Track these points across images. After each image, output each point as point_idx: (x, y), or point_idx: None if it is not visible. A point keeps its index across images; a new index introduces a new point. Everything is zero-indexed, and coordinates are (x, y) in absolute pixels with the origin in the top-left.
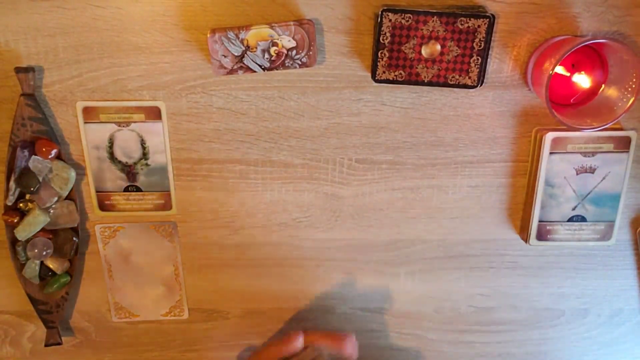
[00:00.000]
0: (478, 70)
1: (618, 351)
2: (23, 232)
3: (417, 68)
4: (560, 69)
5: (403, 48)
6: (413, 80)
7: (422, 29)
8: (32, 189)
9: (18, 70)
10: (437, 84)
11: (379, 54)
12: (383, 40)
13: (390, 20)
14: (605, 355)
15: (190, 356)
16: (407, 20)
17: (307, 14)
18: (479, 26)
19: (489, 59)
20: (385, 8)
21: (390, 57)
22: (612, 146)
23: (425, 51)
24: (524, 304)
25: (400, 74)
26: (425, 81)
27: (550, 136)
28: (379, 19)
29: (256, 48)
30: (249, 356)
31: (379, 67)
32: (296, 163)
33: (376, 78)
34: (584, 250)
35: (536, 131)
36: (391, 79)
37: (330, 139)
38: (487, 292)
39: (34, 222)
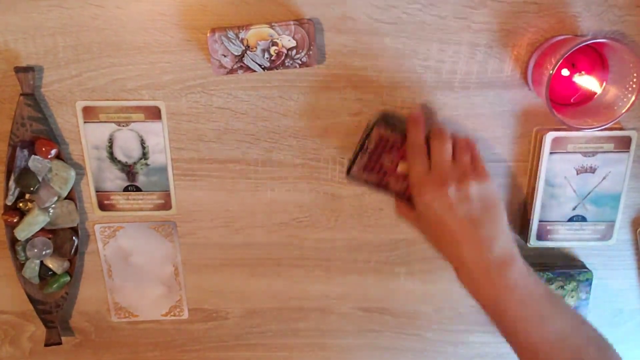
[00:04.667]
0: None
1: (618, 351)
2: (23, 232)
3: (389, 178)
4: (560, 69)
5: (382, 158)
6: (382, 187)
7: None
8: (31, 188)
9: (17, 70)
10: (403, 196)
11: (360, 155)
12: (367, 145)
13: (380, 133)
14: None
15: (190, 356)
16: (395, 137)
17: (307, 14)
18: None
19: None
20: (380, 118)
21: (369, 161)
22: (613, 146)
23: (401, 167)
24: None
25: (373, 177)
26: (393, 192)
27: (550, 136)
28: (371, 127)
29: (256, 47)
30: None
31: (354, 165)
32: (296, 163)
33: (349, 173)
34: (584, 250)
35: (536, 131)
36: (363, 179)
37: (330, 138)
38: None
39: (34, 221)
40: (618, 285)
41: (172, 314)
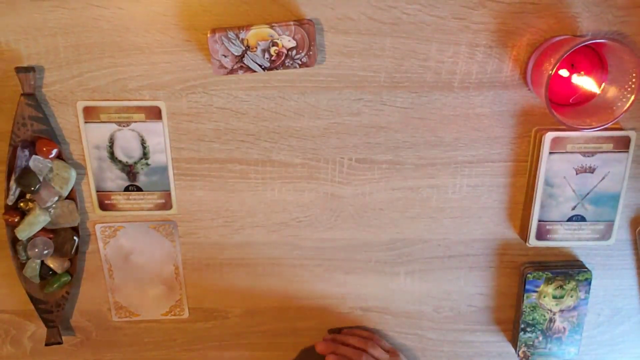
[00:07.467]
0: None
1: (617, 350)
2: (23, 232)
3: None
4: (560, 69)
5: None
6: None
7: None
8: (32, 188)
9: (18, 70)
10: None
11: None
12: None
13: None
14: (605, 354)
15: (190, 355)
16: None
17: (307, 14)
18: None
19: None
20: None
21: None
22: (612, 146)
23: None
24: None
25: None
26: None
27: (549, 136)
28: None
29: (256, 48)
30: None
31: None
32: (296, 163)
33: None
34: (583, 250)
35: (536, 131)
36: None
37: (330, 138)
38: (487, 292)
39: (35, 221)
40: (617, 284)
41: (172, 313)
